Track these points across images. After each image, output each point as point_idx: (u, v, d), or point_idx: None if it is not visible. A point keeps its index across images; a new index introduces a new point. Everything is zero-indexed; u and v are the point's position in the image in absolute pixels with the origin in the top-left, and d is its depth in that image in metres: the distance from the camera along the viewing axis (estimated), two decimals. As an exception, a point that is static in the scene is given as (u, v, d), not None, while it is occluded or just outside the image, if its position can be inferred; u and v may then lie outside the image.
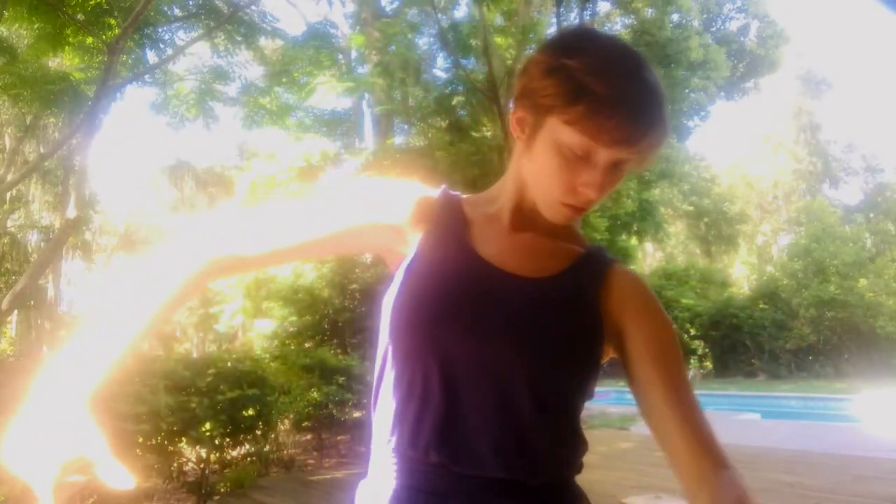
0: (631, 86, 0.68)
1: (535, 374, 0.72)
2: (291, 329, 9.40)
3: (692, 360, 20.27)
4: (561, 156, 0.70)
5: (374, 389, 0.81)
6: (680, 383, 0.73)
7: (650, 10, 10.96)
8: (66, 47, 8.00)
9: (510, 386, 0.71)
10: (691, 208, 28.04)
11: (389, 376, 0.77)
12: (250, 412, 5.37)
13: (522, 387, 0.71)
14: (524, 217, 0.82)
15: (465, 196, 0.88)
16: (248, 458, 5.68)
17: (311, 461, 6.76)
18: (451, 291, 0.75)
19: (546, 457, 0.73)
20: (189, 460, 5.08)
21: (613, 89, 0.66)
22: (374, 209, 0.83)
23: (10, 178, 13.89)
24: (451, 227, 0.82)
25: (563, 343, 0.73)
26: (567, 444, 0.76)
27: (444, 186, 0.88)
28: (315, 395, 7.01)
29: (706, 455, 0.66)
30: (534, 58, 0.74)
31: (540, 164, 0.73)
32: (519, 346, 0.72)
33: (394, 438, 0.75)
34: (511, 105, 0.79)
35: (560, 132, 0.70)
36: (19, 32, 8.73)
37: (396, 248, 0.83)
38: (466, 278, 0.77)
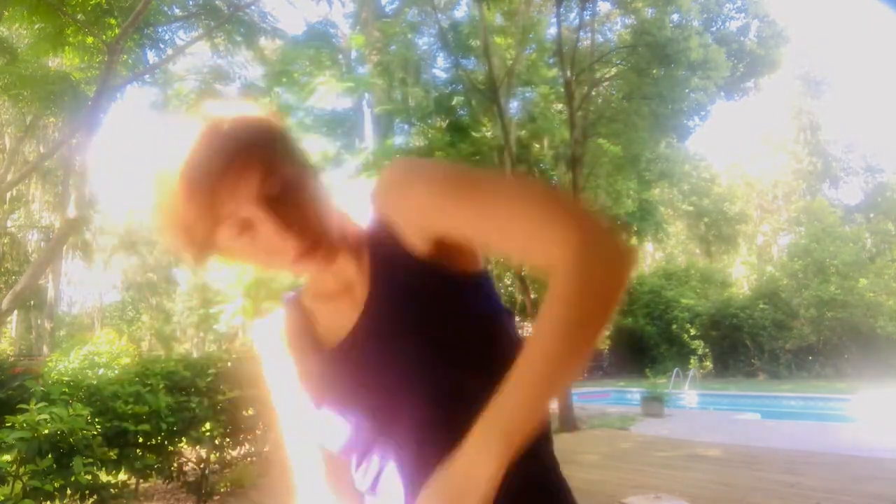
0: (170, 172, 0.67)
1: None
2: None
3: (692, 360, 20.28)
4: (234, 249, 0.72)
5: None
6: (501, 223, 0.64)
7: (650, 10, 10.95)
8: (67, 47, 7.99)
9: None
10: (691, 208, 28.04)
11: None
12: (250, 412, 5.37)
13: None
14: (319, 284, 0.82)
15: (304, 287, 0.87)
16: (248, 458, 5.68)
17: (311, 461, 6.74)
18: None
19: None
20: (189, 460, 5.07)
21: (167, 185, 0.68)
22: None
23: (10, 178, 13.89)
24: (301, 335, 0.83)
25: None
26: None
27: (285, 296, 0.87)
28: (315, 394, 6.98)
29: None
30: None
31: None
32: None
33: None
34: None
35: None
36: (19, 32, 8.73)
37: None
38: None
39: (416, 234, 0.70)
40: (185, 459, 4.99)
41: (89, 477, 3.67)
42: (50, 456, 3.44)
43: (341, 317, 0.77)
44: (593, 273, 0.57)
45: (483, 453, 0.56)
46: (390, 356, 0.71)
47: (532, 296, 12.74)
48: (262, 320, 0.87)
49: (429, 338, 0.69)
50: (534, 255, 0.62)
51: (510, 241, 0.64)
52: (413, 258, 0.71)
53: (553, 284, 0.57)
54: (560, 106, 11.91)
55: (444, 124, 12.38)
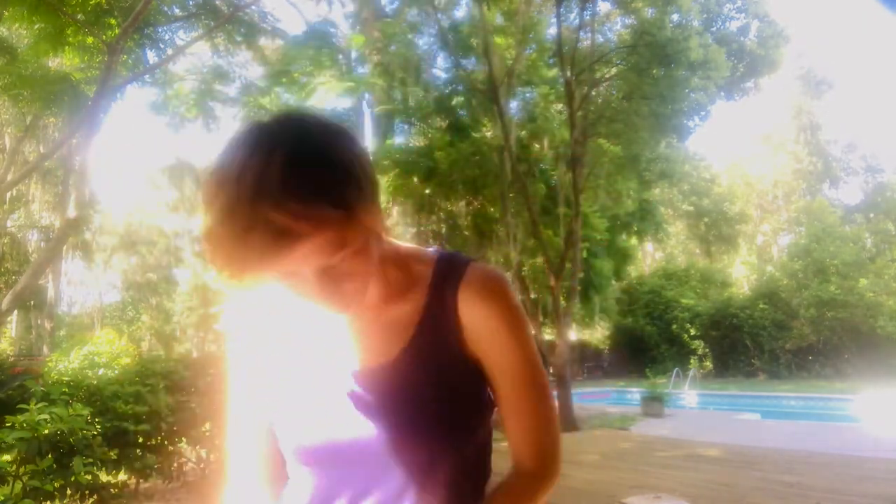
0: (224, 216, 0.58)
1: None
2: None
3: (692, 360, 20.27)
4: None
5: None
6: (521, 404, 0.79)
7: (650, 10, 10.95)
8: (66, 47, 7.99)
9: None
10: (691, 208, 28.04)
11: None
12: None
13: None
14: None
15: None
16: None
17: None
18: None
19: None
20: (189, 460, 5.07)
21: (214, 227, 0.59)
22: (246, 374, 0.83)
23: (10, 178, 13.88)
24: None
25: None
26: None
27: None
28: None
29: (517, 459, 0.81)
30: None
31: None
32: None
33: None
34: None
35: None
36: (19, 32, 8.73)
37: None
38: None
39: (473, 341, 0.77)
40: (185, 459, 4.99)
41: (89, 477, 3.67)
42: (50, 456, 3.44)
43: (358, 331, 0.77)
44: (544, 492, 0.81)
45: None
46: (412, 400, 0.74)
47: (532, 295, 12.75)
48: (247, 295, 0.81)
49: (448, 406, 0.75)
50: (522, 443, 0.80)
51: (518, 418, 0.79)
52: (456, 341, 0.76)
53: (519, 476, 0.80)
54: (560, 106, 11.91)
55: (444, 124, 12.37)
